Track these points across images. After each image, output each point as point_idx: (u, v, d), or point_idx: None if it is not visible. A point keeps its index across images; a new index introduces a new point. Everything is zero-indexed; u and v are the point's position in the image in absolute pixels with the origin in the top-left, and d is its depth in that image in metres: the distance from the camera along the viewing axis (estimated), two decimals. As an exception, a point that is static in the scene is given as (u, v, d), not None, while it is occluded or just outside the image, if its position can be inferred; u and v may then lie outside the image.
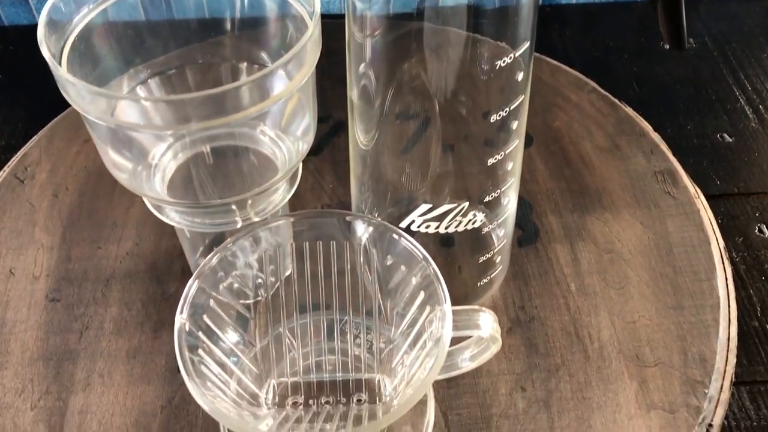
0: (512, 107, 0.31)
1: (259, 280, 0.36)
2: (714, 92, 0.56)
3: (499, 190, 0.34)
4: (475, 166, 0.33)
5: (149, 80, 0.34)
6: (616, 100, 0.52)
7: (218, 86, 0.29)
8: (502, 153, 0.33)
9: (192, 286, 0.31)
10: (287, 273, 0.35)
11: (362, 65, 0.31)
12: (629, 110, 0.52)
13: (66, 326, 0.41)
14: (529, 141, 0.50)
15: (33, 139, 0.51)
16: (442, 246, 0.38)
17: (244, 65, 0.36)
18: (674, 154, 0.49)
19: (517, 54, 0.29)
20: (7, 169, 0.49)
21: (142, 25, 0.33)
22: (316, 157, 0.50)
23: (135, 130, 0.31)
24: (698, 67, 0.58)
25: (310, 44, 0.30)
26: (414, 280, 0.33)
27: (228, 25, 0.35)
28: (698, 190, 0.47)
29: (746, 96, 0.55)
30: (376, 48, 0.30)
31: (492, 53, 0.29)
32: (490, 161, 0.32)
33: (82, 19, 0.31)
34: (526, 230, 0.45)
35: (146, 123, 0.28)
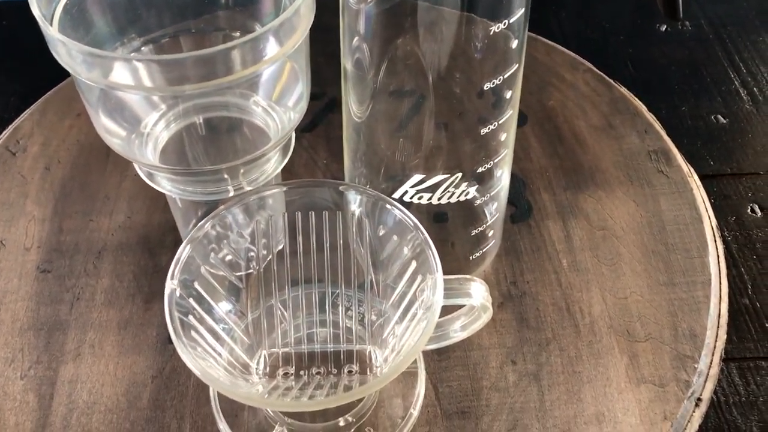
0: (506, 76, 0.31)
1: (252, 253, 0.36)
2: (709, 74, 0.56)
3: (492, 161, 0.34)
4: (469, 136, 0.33)
5: (142, 48, 0.34)
6: (611, 80, 0.52)
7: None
8: (495, 123, 0.32)
9: (184, 251, 0.31)
10: (279, 247, 0.35)
11: (356, 36, 0.31)
12: (624, 90, 0.52)
13: (57, 297, 0.41)
14: (523, 119, 0.50)
15: (26, 112, 0.51)
16: (435, 220, 0.38)
17: (237, 34, 0.36)
18: (669, 135, 0.49)
19: (511, 20, 0.29)
20: (-2, 141, 0.49)
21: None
22: (310, 134, 0.50)
23: (126, 91, 0.31)
24: (694, 50, 0.58)
25: (303, 8, 0.30)
26: (406, 250, 0.33)
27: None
28: (692, 170, 0.47)
29: (741, 78, 0.55)
30: (370, 17, 0.30)
31: (486, 21, 0.29)
32: (483, 131, 0.32)
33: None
34: (519, 207, 0.45)
35: (138, 84, 0.28)
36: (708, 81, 0.55)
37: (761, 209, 0.47)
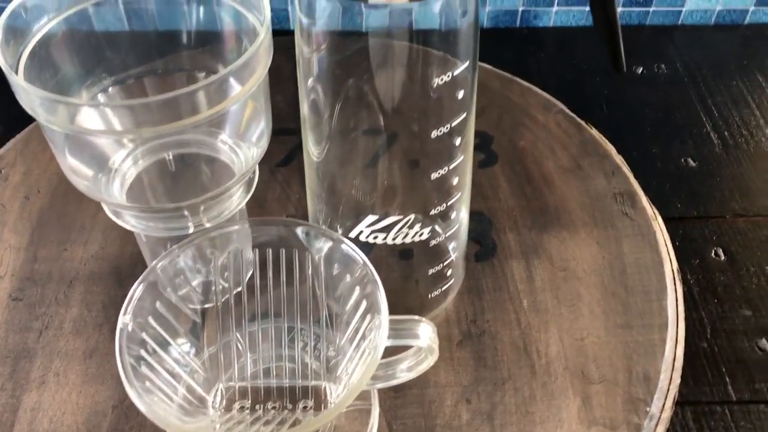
0: (453, 124, 0.32)
1: (211, 287, 0.37)
2: (681, 117, 0.57)
3: (445, 204, 0.35)
4: (420, 180, 0.34)
5: (109, 89, 0.35)
6: (582, 122, 0.53)
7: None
8: (446, 168, 0.33)
9: (138, 289, 0.32)
10: (238, 289, 0.36)
11: (311, 80, 0.32)
12: (594, 132, 0.53)
13: (26, 325, 0.42)
14: (493, 159, 0.51)
15: (10, 141, 0.52)
16: (402, 257, 0.39)
17: (202, 75, 0.38)
18: (638, 177, 0.50)
19: (455, 73, 0.30)
20: (-19, 170, 0.50)
21: (101, 36, 0.34)
22: (285, 168, 0.51)
23: (90, 136, 0.32)
24: (668, 92, 0.59)
25: (262, 49, 0.31)
26: (357, 289, 0.34)
27: (185, 38, 0.36)
28: (656, 212, 0.47)
29: (713, 122, 0.56)
30: (323, 63, 0.31)
31: (432, 72, 0.30)
32: (434, 176, 0.33)
33: (42, 27, 0.32)
34: (484, 246, 0.46)
35: (102, 129, 0.30)
36: (680, 124, 0.56)
37: (725, 253, 0.47)
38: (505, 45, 0.64)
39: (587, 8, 0.64)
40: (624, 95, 0.58)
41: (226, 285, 0.37)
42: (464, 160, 0.34)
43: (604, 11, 0.30)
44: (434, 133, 0.32)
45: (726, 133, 0.55)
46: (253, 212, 0.48)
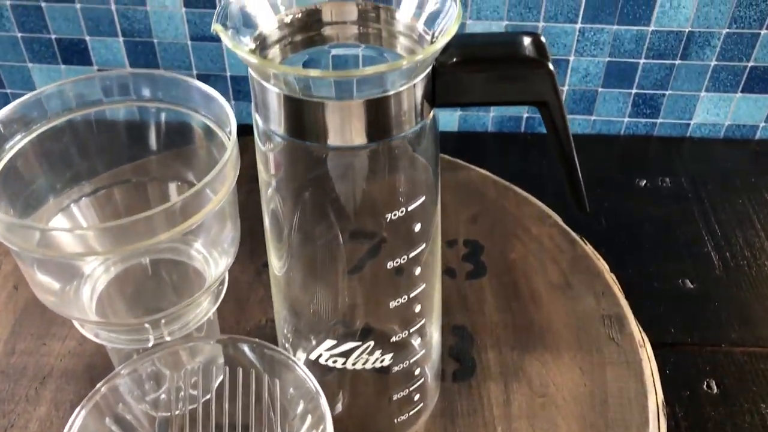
0: (411, 255, 0.31)
1: (165, 403, 0.37)
2: (682, 234, 0.55)
3: (406, 332, 0.34)
4: (379, 306, 0.33)
5: (81, 199, 0.36)
6: (577, 237, 0.52)
7: (147, 206, 0.31)
8: (405, 297, 0.33)
9: (77, 419, 0.32)
10: (192, 406, 0.36)
11: (269, 195, 0.32)
12: (588, 248, 0.52)
13: (-8, 422, 0.42)
14: (482, 271, 0.50)
15: (10, 229, 0.53)
16: (363, 381, 0.38)
17: (172, 185, 0.38)
18: (631, 297, 0.48)
19: (410, 208, 0.30)
20: (-24, 257, 0.51)
21: (72, 148, 0.35)
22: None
23: (57, 259, 0.32)
24: (670, 207, 0.58)
25: (232, 159, 0.32)
26: (310, 417, 0.33)
27: (154, 146, 0.36)
28: (645, 339, 0.46)
29: (714, 241, 0.54)
30: (280, 185, 0.31)
31: (387, 206, 0.30)
32: (393, 304, 0.33)
33: (12, 147, 0.33)
34: (463, 364, 0.45)
35: (75, 252, 0.30)
36: (681, 241, 0.54)
37: (718, 386, 0.45)
38: (509, 150, 0.64)
39: (593, 117, 0.64)
40: (624, 208, 0.57)
41: (179, 403, 0.36)
42: (425, 288, 0.34)
43: (563, 152, 0.30)
44: (390, 264, 0.31)
45: (728, 254, 0.53)
46: (233, 315, 0.48)
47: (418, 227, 0.31)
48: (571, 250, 0.52)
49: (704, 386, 0.45)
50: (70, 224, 0.37)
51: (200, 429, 0.36)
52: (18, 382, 0.44)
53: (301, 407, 0.33)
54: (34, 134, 0.34)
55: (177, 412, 0.36)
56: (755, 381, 0.45)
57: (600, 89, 0.62)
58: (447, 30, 0.25)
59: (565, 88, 0.63)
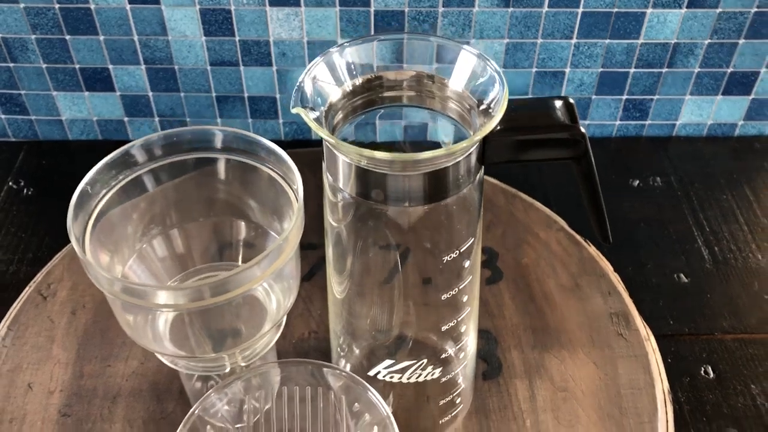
0: (461, 287, 0.36)
1: (244, 406, 0.41)
2: (675, 232, 0.61)
3: (454, 348, 0.40)
4: (431, 331, 0.38)
5: (154, 239, 0.40)
6: (582, 240, 0.58)
7: (212, 241, 0.36)
8: (455, 320, 0.38)
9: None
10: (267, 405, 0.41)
11: (336, 238, 0.37)
12: (593, 250, 0.57)
13: (74, 441, 0.46)
14: (499, 275, 0.56)
15: (57, 255, 0.57)
16: (412, 389, 0.43)
17: (239, 222, 0.42)
18: (633, 293, 0.54)
19: (462, 249, 0.34)
20: (32, 284, 0.55)
21: (155, 198, 0.40)
22: (308, 283, 0.56)
23: (141, 306, 0.37)
24: (662, 206, 0.63)
25: (299, 218, 0.36)
26: (376, 429, 0.38)
27: (223, 193, 0.41)
28: (649, 333, 0.51)
29: (704, 237, 0.60)
30: (346, 229, 0.36)
31: (442, 251, 0.34)
32: (444, 328, 0.38)
33: (101, 199, 0.37)
34: (491, 364, 0.50)
35: (162, 304, 0.35)
36: (674, 239, 0.60)
37: (713, 371, 0.51)
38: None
39: (587, 122, 0.69)
40: (621, 209, 0.63)
41: (255, 405, 0.41)
42: (469, 312, 0.39)
43: (593, 198, 0.35)
44: (444, 296, 0.36)
45: (716, 248, 0.59)
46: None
47: (467, 264, 0.36)
48: (577, 252, 0.57)
49: (702, 372, 0.51)
50: (145, 264, 0.41)
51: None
52: (91, 403, 0.48)
53: (366, 419, 0.38)
54: (119, 186, 0.38)
55: (242, 425, 0.41)
56: (746, 365, 0.51)
57: (593, 96, 0.67)
58: (497, 112, 0.30)
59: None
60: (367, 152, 0.30)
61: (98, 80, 0.66)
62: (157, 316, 0.41)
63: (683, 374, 0.51)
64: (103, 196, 0.38)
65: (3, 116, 0.69)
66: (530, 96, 0.67)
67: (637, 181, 0.65)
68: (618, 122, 0.69)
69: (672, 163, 0.67)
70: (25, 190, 0.66)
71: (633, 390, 0.48)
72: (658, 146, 0.69)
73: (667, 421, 0.47)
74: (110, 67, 0.65)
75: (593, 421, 0.47)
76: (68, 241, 0.58)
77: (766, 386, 0.50)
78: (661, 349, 0.51)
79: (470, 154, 0.31)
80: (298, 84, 0.32)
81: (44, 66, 0.65)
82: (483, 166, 0.33)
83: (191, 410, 0.37)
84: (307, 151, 0.62)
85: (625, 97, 0.67)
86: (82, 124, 0.69)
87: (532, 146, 0.32)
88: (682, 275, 0.57)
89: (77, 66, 0.65)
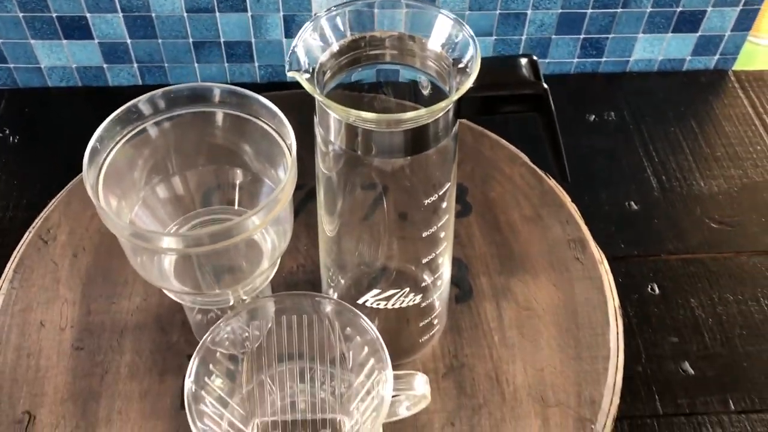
0: (439, 225, 0.41)
1: (246, 334, 0.46)
2: (627, 164, 0.66)
3: (432, 278, 0.45)
4: (413, 264, 0.43)
5: (157, 186, 0.44)
6: (543, 174, 0.63)
7: (210, 187, 0.40)
8: (433, 254, 0.43)
9: (195, 360, 0.41)
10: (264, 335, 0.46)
11: (326, 183, 0.41)
12: (552, 183, 0.62)
13: (89, 371, 0.51)
14: (468, 210, 0.61)
15: (52, 202, 0.60)
16: (395, 314, 0.48)
17: (236, 170, 0.46)
18: (588, 221, 0.60)
19: (440, 193, 0.39)
20: (32, 230, 0.58)
21: (158, 148, 0.43)
22: (294, 220, 0.60)
23: (153, 251, 0.41)
24: (616, 140, 0.68)
25: (293, 168, 0.40)
26: (366, 349, 0.44)
27: (220, 143, 0.44)
28: (603, 256, 0.58)
29: (653, 167, 0.66)
30: (336, 176, 0.40)
31: (421, 193, 0.39)
32: (424, 261, 0.43)
33: (110, 152, 0.41)
34: (463, 289, 0.56)
35: (167, 248, 0.39)
36: (626, 170, 0.66)
37: (659, 288, 0.58)
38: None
39: (547, 60, 0.74)
40: (579, 144, 0.68)
41: (257, 333, 0.46)
42: (446, 246, 0.44)
43: (552, 140, 0.39)
44: (425, 233, 0.41)
45: (663, 177, 0.65)
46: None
47: (444, 205, 0.40)
48: (538, 186, 0.62)
49: (648, 289, 0.58)
50: (151, 211, 0.45)
51: (275, 354, 0.46)
52: (101, 337, 0.53)
53: (358, 340, 0.44)
54: (128, 136, 0.41)
55: (245, 351, 0.46)
56: (687, 282, 0.58)
57: (553, 36, 0.71)
58: (472, 72, 0.34)
59: (523, 37, 0.71)
60: (354, 112, 0.34)
61: (76, 28, 0.68)
62: (163, 257, 0.45)
63: (632, 292, 0.58)
64: (111, 149, 0.41)
65: (-19, 65, 0.70)
66: (494, 37, 0.71)
67: (593, 116, 0.70)
68: (576, 60, 0.74)
69: (625, 98, 0.72)
70: (11, 138, 0.68)
71: (588, 307, 0.54)
72: (613, 82, 0.74)
73: (617, 333, 0.53)
74: (88, 15, 0.67)
75: (553, 335, 0.53)
76: (61, 187, 0.62)
77: (704, 300, 0.57)
78: (613, 270, 0.57)
79: (447, 111, 0.35)
80: (291, 49, 0.36)
81: (21, 15, 0.66)
82: (458, 120, 0.37)
83: (202, 340, 0.42)
84: (286, 93, 0.66)
85: (582, 36, 0.72)
86: (61, 71, 0.71)
87: (500, 102, 0.37)
88: (632, 203, 0.63)
89: (54, 14, 0.66)
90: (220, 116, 0.43)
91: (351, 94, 0.40)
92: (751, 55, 0.73)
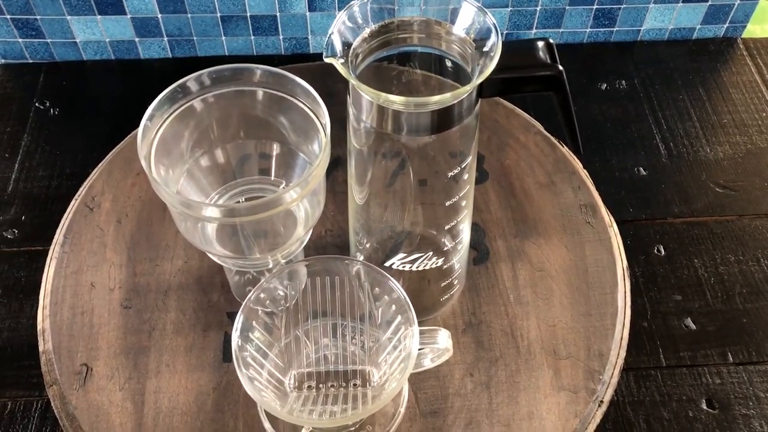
0: (461, 194, 0.45)
1: (283, 293, 0.51)
2: (636, 130, 0.70)
3: (453, 242, 0.49)
4: (437, 229, 0.47)
5: (203, 156, 0.48)
6: (556, 141, 0.66)
7: (249, 159, 0.43)
8: (455, 221, 0.47)
9: (240, 316, 0.46)
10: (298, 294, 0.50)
11: (358, 156, 0.45)
12: (565, 150, 0.66)
13: (138, 328, 0.55)
14: (485, 177, 0.64)
15: (95, 171, 0.64)
16: (419, 275, 0.52)
17: (274, 144, 0.50)
18: (599, 186, 0.63)
19: (462, 166, 0.43)
20: (78, 198, 0.63)
21: (202, 123, 0.47)
22: (320, 187, 0.64)
23: (198, 219, 0.45)
24: (627, 108, 0.71)
25: (327, 148, 0.44)
26: (394, 307, 0.48)
27: (259, 118, 0.48)
28: (612, 220, 0.61)
29: (661, 134, 0.69)
30: (368, 150, 0.44)
31: (445, 167, 0.43)
32: (447, 227, 0.47)
33: (159, 128, 0.45)
34: (480, 251, 0.60)
35: (211, 217, 0.43)
36: (635, 136, 0.69)
37: (664, 249, 0.61)
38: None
39: (561, 30, 0.76)
40: (590, 111, 0.71)
41: (293, 293, 0.50)
42: (467, 213, 0.48)
43: (566, 115, 0.43)
44: (447, 202, 0.45)
45: (671, 144, 0.68)
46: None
47: (466, 176, 0.44)
48: (552, 153, 0.66)
49: (655, 251, 0.62)
50: (195, 180, 0.49)
51: (310, 313, 0.50)
52: (147, 296, 0.57)
53: (386, 299, 0.48)
54: (176, 113, 0.45)
55: (282, 308, 0.50)
56: (691, 243, 0.62)
57: (567, 7, 0.74)
58: (495, 56, 0.37)
59: (538, 8, 0.74)
60: (384, 95, 0.38)
61: (110, 4, 0.71)
62: (207, 224, 0.49)
63: (639, 253, 0.61)
64: (161, 125, 0.45)
65: (20, 40, 0.74)
66: (509, 8, 0.74)
67: (605, 85, 0.73)
68: (588, 30, 0.76)
69: (636, 67, 0.75)
70: (51, 110, 0.72)
71: (598, 268, 0.58)
72: (624, 51, 0.77)
73: (625, 292, 0.57)
74: (120, -9, 0.70)
75: (565, 294, 0.57)
76: (100, 158, 0.66)
77: (707, 260, 0.60)
78: (622, 233, 0.61)
79: (471, 93, 0.39)
80: (328, 36, 0.39)
81: (57, -8, 0.69)
82: (480, 100, 0.41)
83: (245, 300, 0.47)
84: (309, 65, 0.69)
85: (595, 6, 0.74)
86: (95, 45, 0.75)
87: (519, 83, 0.40)
88: (641, 168, 0.67)
89: (89, -9, 0.70)
90: (260, 94, 0.47)
91: (381, 66, 0.43)
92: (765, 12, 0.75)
